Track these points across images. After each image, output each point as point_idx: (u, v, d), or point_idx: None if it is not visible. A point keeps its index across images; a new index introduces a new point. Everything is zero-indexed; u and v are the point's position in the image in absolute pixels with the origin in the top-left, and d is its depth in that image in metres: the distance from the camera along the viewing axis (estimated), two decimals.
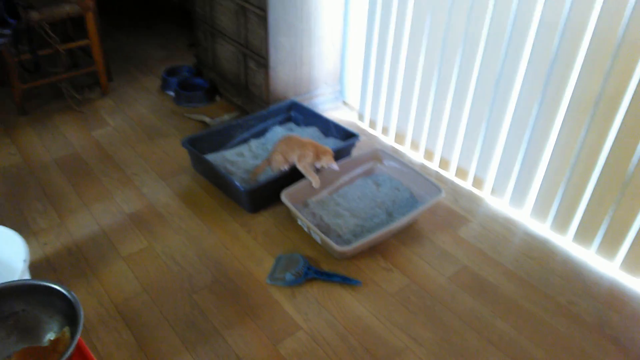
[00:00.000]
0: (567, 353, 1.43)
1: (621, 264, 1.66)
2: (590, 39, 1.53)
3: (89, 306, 1.53)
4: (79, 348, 0.98)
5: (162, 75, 2.74)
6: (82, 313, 0.95)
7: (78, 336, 0.91)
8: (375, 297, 1.58)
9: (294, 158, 1.89)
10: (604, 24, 1.49)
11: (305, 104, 2.42)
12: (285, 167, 1.89)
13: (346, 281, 1.61)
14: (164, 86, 2.73)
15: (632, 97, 1.48)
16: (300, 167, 1.88)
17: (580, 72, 1.58)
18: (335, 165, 1.87)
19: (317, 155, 1.87)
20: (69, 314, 0.96)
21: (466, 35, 1.85)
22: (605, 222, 1.66)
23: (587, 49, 1.54)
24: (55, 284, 0.98)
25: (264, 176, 1.98)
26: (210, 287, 1.60)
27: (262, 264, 1.69)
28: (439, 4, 1.90)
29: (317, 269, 1.64)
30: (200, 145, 2.10)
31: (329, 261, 1.70)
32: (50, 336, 0.98)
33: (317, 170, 1.91)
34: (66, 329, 0.97)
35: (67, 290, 0.97)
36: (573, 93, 1.62)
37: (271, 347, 1.42)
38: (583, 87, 1.59)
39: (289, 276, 1.59)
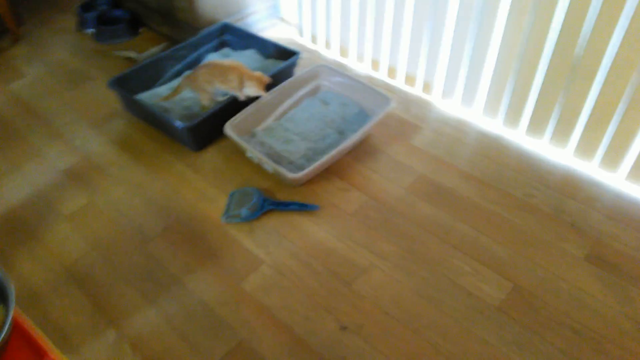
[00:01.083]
0: (528, 245, 1.43)
1: (574, 150, 1.65)
2: None
3: (36, 274, 1.43)
4: (16, 326, 0.88)
5: (78, 12, 2.46)
6: (13, 289, 0.84)
7: (10, 315, 0.81)
8: (335, 219, 1.53)
9: (215, 85, 1.74)
10: None
11: (239, 24, 2.22)
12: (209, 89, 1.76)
13: (303, 208, 1.56)
14: (82, 24, 2.46)
15: None
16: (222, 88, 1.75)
17: None
18: (263, 94, 1.72)
19: (242, 82, 1.72)
20: (1, 291, 0.86)
21: None
22: (556, 109, 1.63)
23: None
24: None
25: (208, 110, 1.84)
26: (163, 235, 1.51)
27: (215, 203, 1.60)
28: None
29: (273, 200, 1.57)
30: (130, 84, 1.92)
31: (284, 190, 1.63)
32: None
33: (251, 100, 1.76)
34: (0, 307, 0.87)
35: None
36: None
37: (235, 286, 1.37)
38: None
39: (244, 212, 1.52)
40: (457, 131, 1.82)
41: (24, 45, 2.39)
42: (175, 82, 2.03)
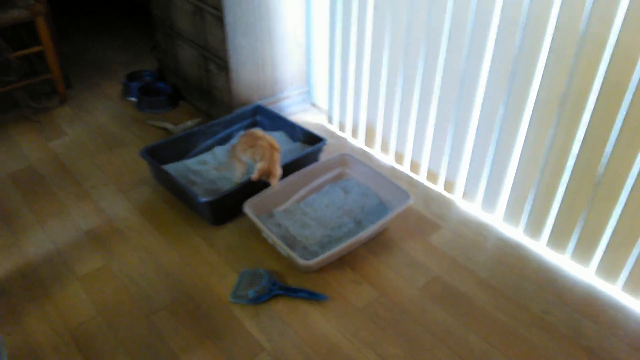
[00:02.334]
0: None
1: (596, 269, 1.62)
2: (553, 35, 1.47)
3: (41, 332, 1.45)
4: None
5: (124, 81, 2.64)
6: (5, 353, 0.86)
7: None
8: (343, 312, 1.51)
9: (247, 154, 1.81)
10: (565, 18, 1.43)
11: (271, 107, 2.34)
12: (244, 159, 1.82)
13: (312, 297, 1.55)
14: (126, 92, 2.63)
15: (598, 95, 1.43)
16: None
17: (544, 69, 1.53)
18: (274, 184, 1.75)
19: (256, 157, 1.77)
20: None
21: (428, 32, 1.79)
22: (578, 225, 1.62)
23: (550, 45, 1.49)
24: None
25: (226, 186, 1.91)
26: (169, 308, 1.52)
27: (225, 280, 1.61)
28: (398, 1, 1.83)
29: (282, 285, 1.57)
30: (161, 154, 2.02)
31: (295, 275, 1.63)
32: None
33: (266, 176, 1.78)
34: None
35: None
36: (538, 91, 1.56)
37: None
38: (548, 85, 1.53)
39: (251, 293, 1.52)
40: (476, 234, 1.81)
41: (69, 106, 2.55)
42: (204, 156, 2.12)
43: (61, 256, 1.70)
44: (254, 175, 1.73)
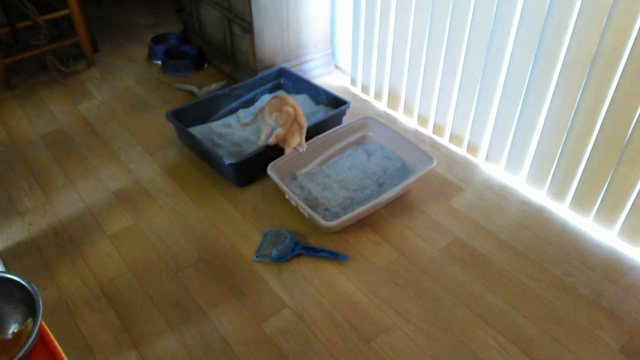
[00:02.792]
0: (560, 327, 1.39)
1: (619, 232, 1.60)
2: None
3: (74, 287, 1.52)
4: (42, 340, 0.95)
5: (149, 44, 2.66)
6: (40, 304, 0.91)
7: (37, 329, 0.87)
8: (363, 272, 1.54)
9: (273, 116, 1.80)
10: None
11: (295, 70, 2.33)
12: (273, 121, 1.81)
13: (333, 256, 1.58)
14: (151, 55, 2.65)
15: (630, 55, 1.38)
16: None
17: (574, 28, 1.47)
18: (300, 149, 1.77)
19: (285, 126, 1.76)
20: (32, 304, 0.93)
21: None
22: (603, 188, 1.59)
23: (581, 3, 1.43)
24: (13, 275, 0.94)
25: (250, 149, 1.93)
26: (195, 265, 1.57)
27: (249, 240, 1.65)
28: None
29: (304, 245, 1.61)
30: (187, 116, 2.04)
31: (317, 236, 1.66)
32: (15, 328, 0.95)
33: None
34: (29, 321, 0.94)
35: (27, 282, 0.93)
36: (567, 51, 1.52)
37: (256, 326, 1.40)
38: (578, 45, 1.48)
39: (275, 253, 1.56)
40: (499, 197, 1.80)
41: (97, 69, 2.59)
42: (228, 119, 2.14)
43: (92, 215, 1.76)
44: (271, 139, 1.75)
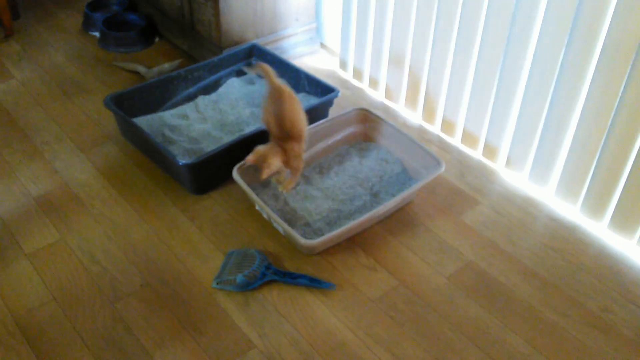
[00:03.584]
0: None
1: None
2: None
3: None
4: None
5: (85, 11, 2.64)
6: None
7: None
8: (353, 304, 1.54)
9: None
10: None
11: (271, 48, 2.33)
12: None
13: (315, 284, 1.57)
14: (87, 25, 2.63)
15: None
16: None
17: (617, 3, 1.50)
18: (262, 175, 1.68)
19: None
20: None
21: None
22: None
23: None
24: None
25: (210, 145, 1.91)
26: (138, 294, 1.56)
27: (208, 262, 1.64)
28: None
29: (278, 269, 1.60)
30: (131, 104, 2.03)
31: (295, 258, 1.66)
32: None
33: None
34: None
35: None
36: (609, 32, 1.54)
37: None
38: (622, 24, 1.50)
39: (241, 278, 1.55)
40: (522, 212, 1.81)
41: (17, 42, 2.55)
42: (184, 108, 2.12)
43: (6, 228, 1.73)
44: (249, 157, 1.68)
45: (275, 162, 1.67)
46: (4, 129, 2.09)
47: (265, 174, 1.66)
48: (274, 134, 1.72)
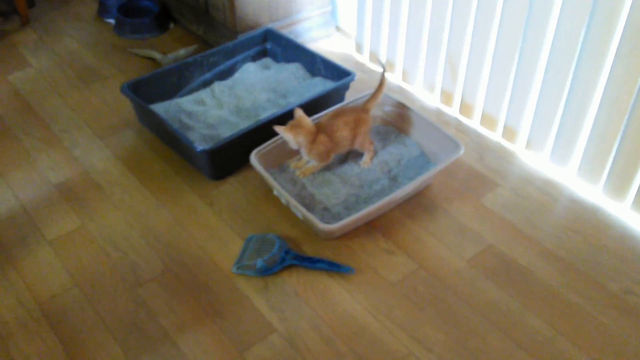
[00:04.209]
0: (619, 358, 1.39)
1: None
2: None
3: (5, 306, 1.51)
4: None
5: None
6: None
7: None
8: (372, 287, 1.54)
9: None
10: None
11: (286, 32, 2.33)
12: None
13: (334, 268, 1.58)
14: (102, 11, 2.64)
15: None
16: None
17: None
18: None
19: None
20: None
21: None
22: None
23: None
24: None
25: (227, 131, 1.92)
26: (160, 279, 1.57)
27: (227, 247, 1.65)
28: None
29: (298, 254, 1.61)
30: (148, 90, 2.04)
31: (314, 242, 1.66)
32: None
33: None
34: None
35: None
36: (632, 6, 1.51)
37: (237, 356, 1.40)
38: None
39: (260, 263, 1.56)
40: (543, 194, 1.81)
41: (33, 30, 2.57)
42: (200, 94, 2.13)
43: (27, 215, 1.75)
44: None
45: (301, 134, 1.71)
46: (23, 117, 2.11)
47: (285, 131, 1.71)
48: (322, 121, 1.77)
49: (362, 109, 1.81)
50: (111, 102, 2.18)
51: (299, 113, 1.73)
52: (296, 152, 1.83)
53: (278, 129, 1.71)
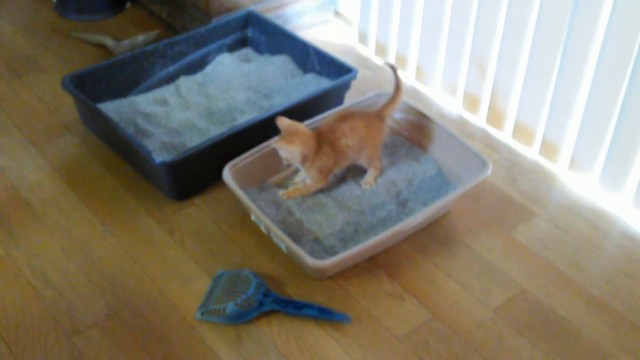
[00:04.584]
0: None
1: None
2: None
3: None
4: None
5: None
6: None
7: None
8: (373, 342, 1.54)
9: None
10: None
11: (272, 16, 2.34)
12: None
13: (326, 316, 1.57)
14: None
15: None
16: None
17: None
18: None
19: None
20: None
21: None
22: None
23: None
24: None
25: (194, 139, 1.92)
26: (102, 325, 1.56)
27: (190, 286, 1.65)
28: None
29: (279, 296, 1.60)
30: (97, 86, 2.05)
31: (301, 282, 1.66)
32: None
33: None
34: None
35: None
36: None
37: None
38: None
39: (231, 307, 1.55)
40: (590, 227, 1.81)
41: None
42: (162, 91, 2.13)
43: None
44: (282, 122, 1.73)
45: (305, 143, 1.71)
46: None
47: (285, 143, 1.69)
48: (323, 126, 1.78)
49: (377, 114, 1.82)
50: (49, 99, 2.18)
51: (285, 122, 1.73)
52: (281, 167, 1.83)
53: (275, 144, 1.69)
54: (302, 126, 1.75)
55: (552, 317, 1.59)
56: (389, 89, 2.18)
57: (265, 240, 1.74)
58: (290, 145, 1.70)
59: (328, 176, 1.79)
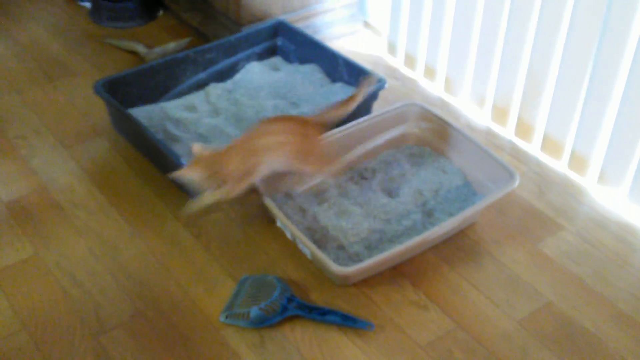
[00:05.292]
0: None
1: None
2: None
3: None
4: None
5: None
6: None
7: None
8: (396, 350, 1.53)
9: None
10: None
11: (300, 26, 2.36)
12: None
13: (349, 323, 1.57)
14: None
15: None
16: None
17: None
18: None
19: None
20: None
21: None
22: None
23: None
24: None
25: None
26: (128, 325, 1.57)
27: (215, 289, 1.66)
28: None
29: (303, 302, 1.61)
30: (128, 91, 2.08)
31: (325, 289, 1.66)
32: None
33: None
34: None
35: None
36: None
37: None
38: None
39: (255, 311, 1.56)
40: (618, 241, 1.80)
41: None
42: (192, 97, 2.16)
43: None
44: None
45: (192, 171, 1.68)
46: None
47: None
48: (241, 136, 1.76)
49: (315, 119, 1.77)
50: (81, 103, 2.21)
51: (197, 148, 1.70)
52: (301, 177, 1.85)
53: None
54: (210, 150, 1.70)
55: (577, 331, 1.58)
56: (418, 99, 2.20)
57: (290, 247, 1.75)
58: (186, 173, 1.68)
59: (247, 180, 1.72)
